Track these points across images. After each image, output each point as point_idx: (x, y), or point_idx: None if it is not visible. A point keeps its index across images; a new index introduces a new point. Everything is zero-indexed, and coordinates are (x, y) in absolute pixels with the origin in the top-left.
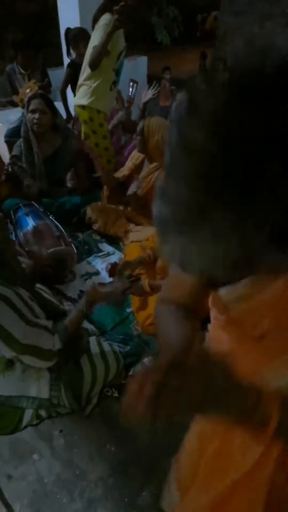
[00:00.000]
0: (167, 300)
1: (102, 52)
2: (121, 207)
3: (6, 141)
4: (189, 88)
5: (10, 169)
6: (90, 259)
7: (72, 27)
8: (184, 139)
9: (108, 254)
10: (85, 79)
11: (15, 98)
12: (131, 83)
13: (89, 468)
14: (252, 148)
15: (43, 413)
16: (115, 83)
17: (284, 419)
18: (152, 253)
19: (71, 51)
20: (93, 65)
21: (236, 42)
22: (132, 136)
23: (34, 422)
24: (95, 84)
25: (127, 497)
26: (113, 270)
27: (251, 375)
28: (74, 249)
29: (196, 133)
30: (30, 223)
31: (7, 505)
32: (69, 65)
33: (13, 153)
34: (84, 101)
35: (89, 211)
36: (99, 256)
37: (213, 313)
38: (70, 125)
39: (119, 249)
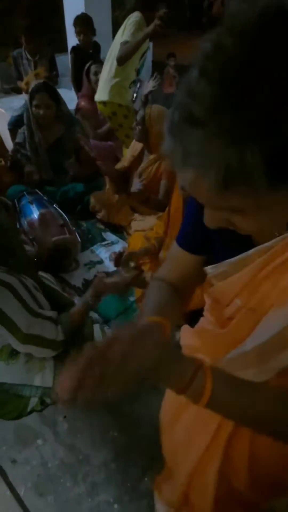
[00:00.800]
0: (162, 278)
1: (134, 50)
2: (124, 196)
3: (9, 129)
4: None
5: (13, 157)
6: (94, 248)
7: (76, 11)
8: (217, 41)
9: (112, 243)
10: (108, 74)
11: (20, 84)
12: (137, 84)
13: (92, 453)
14: (279, 66)
15: (47, 399)
16: (134, 81)
17: (217, 391)
18: (156, 243)
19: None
20: (121, 61)
21: None
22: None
23: (39, 409)
24: (115, 80)
25: (129, 481)
26: (118, 260)
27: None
28: (78, 237)
29: (229, 39)
30: (34, 211)
31: (11, 489)
32: (72, 50)
33: (17, 140)
34: (105, 97)
35: (93, 200)
36: (103, 245)
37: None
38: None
39: (123, 238)
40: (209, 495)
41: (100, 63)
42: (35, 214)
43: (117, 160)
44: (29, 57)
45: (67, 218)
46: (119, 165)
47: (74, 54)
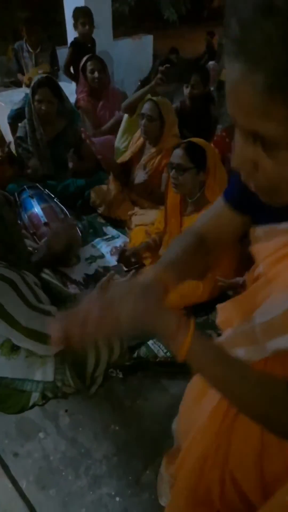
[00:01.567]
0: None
1: (137, 100)
2: (125, 191)
3: (9, 123)
4: None
5: (9, 151)
6: (94, 242)
7: (75, 2)
8: None
9: (113, 238)
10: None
11: (21, 77)
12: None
13: (94, 447)
14: None
15: (49, 393)
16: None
17: (195, 348)
18: (157, 238)
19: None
20: (125, 109)
21: None
22: None
23: (41, 403)
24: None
25: (131, 475)
26: (121, 256)
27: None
28: (79, 232)
29: None
30: (35, 205)
31: (14, 482)
32: (72, 44)
33: (18, 134)
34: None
35: (93, 195)
36: (104, 240)
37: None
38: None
39: (124, 233)
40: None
41: (96, 59)
42: (36, 209)
43: None
44: (30, 50)
45: (68, 213)
46: (120, 159)
47: (73, 49)
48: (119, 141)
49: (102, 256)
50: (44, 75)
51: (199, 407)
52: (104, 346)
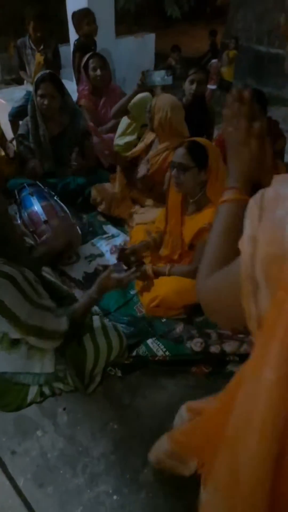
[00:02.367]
0: None
1: (123, 104)
2: (126, 188)
3: (10, 121)
4: None
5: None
6: (94, 240)
7: (78, 0)
8: None
9: (113, 236)
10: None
11: (23, 74)
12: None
13: (92, 445)
14: None
15: (47, 390)
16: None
17: None
18: (157, 237)
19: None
20: (114, 115)
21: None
22: None
23: (38, 400)
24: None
25: (128, 473)
26: (121, 255)
27: None
28: (79, 230)
29: None
30: (35, 203)
31: (11, 479)
32: (77, 48)
33: (20, 131)
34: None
35: (94, 193)
36: (104, 238)
37: None
38: None
39: (124, 231)
40: None
41: (99, 57)
42: (36, 206)
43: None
44: (33, 47)
45: (67, 211)
46: (130, 152)
47: (79, 53)
48: (117, 139)
49: (101, 254)
50: (47, 71)
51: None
52: (104, 343)
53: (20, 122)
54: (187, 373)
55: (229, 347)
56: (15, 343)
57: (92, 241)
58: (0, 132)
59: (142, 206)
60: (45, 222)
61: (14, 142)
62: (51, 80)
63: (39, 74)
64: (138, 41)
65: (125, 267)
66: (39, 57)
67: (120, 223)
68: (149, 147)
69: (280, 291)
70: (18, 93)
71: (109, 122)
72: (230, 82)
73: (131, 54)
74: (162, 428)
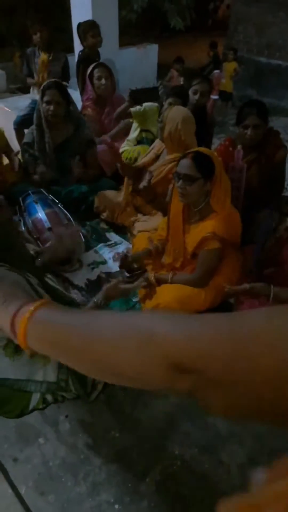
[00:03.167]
0: None
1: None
2: (130, 196)
3: (15, 129)
4: None
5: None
6: (97, 248)
7: (83, 11)
8: None
9: (116, 244)
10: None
11: (29, 81)
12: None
13: (94, 453)
14: None
15: (49, 397)
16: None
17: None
18: (159, 245)
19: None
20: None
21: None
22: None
23: (40, 406)
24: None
25: (130, 482)
26: (123, 262)
27: None
28: (82, 237)
29: None
30: (39, 210)
31: (13, 487)
32: (81, 60)
33: (25, 140)
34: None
35: (97, 201)
36: (107, 246)
37: None
38: None
39: (127, 239)
40: None
41: (103, 66)
42: (40, 214)
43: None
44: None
45: (71, 218)
46: (140, 162)
47: (83, 65)
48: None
49: (104, 262)
50: (53, 79)
51: None
52: None
53: (25, 131)
54: None
55: None
56: (18, 350)
57: (95, 248)
58: (5, 141)
59: (145, 214)
60: (49, 229)
61: (19, 155)
62: (57, 88)
63: (45, 82)
64: (141, 51)
65: (127, 274)
66: (43, 56)
67: (123, 230)
68: (156, 158)
69: None
70: (23, 102)
71: (113, 130)
72: (230, 93)
73: (134, 65)
74: (164, 437)
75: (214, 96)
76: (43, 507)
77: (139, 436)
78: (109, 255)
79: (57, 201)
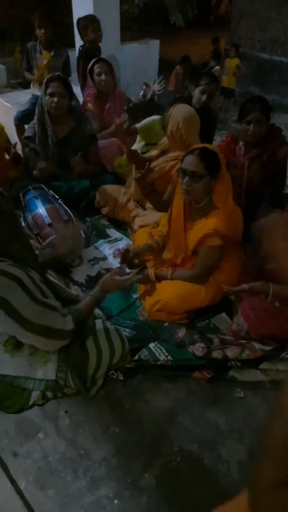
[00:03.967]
0: None
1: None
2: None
3: (15, 124)
4: None
5: (15, 152)
6: (98, 244)
7: (84, 5)
8: None
9: (116, 240)
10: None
11: (28, 75)
12: (144, 87)
13: (93, 448)
14: None
15: (49, 393)
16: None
17: None
18: (160, 240)
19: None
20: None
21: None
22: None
23: (40, 402)
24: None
25: (130, 477)
26: (124, 258)
27: None
28: (82, 233)
29: None
30: (40, 206)
31: (12, 481)
32: (81, 55)
33: (26, 134)
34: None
35: (98, 196)
36: (107, 242)
37: None
38: None
39: (127, 235)
40: None
41: (104, 62)
42: (40, 209)
43: (123, 154)
44: (43, 51)
45: (72, 214)
46: (148, 154)
47: (83, 60)
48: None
49: (105, 258)
50: (56, 73)
51: None
52: (107, 347)
53: (26, 126)
54: (189, 378)
55: (231, 352)
56: (18, 345)
57: (96, 244)
58: (5, 136)
59: (145, 209)
60: (49, 225)
61: (17, 146)
62: (61, 80)
63: (49, 75)
64: (143, 47)
65: (128, 270)
66: (46, 55)
67: (123, 226)
68: (164, 153)
69: None
70: (23, 97)
71: (112, 126)
72: (233, 90)
73: (136, 60)
74: (163, 433)
75: None
76: (43, 502)
77: (139, 431)
78: (110, 251)
79: (57, 197)
